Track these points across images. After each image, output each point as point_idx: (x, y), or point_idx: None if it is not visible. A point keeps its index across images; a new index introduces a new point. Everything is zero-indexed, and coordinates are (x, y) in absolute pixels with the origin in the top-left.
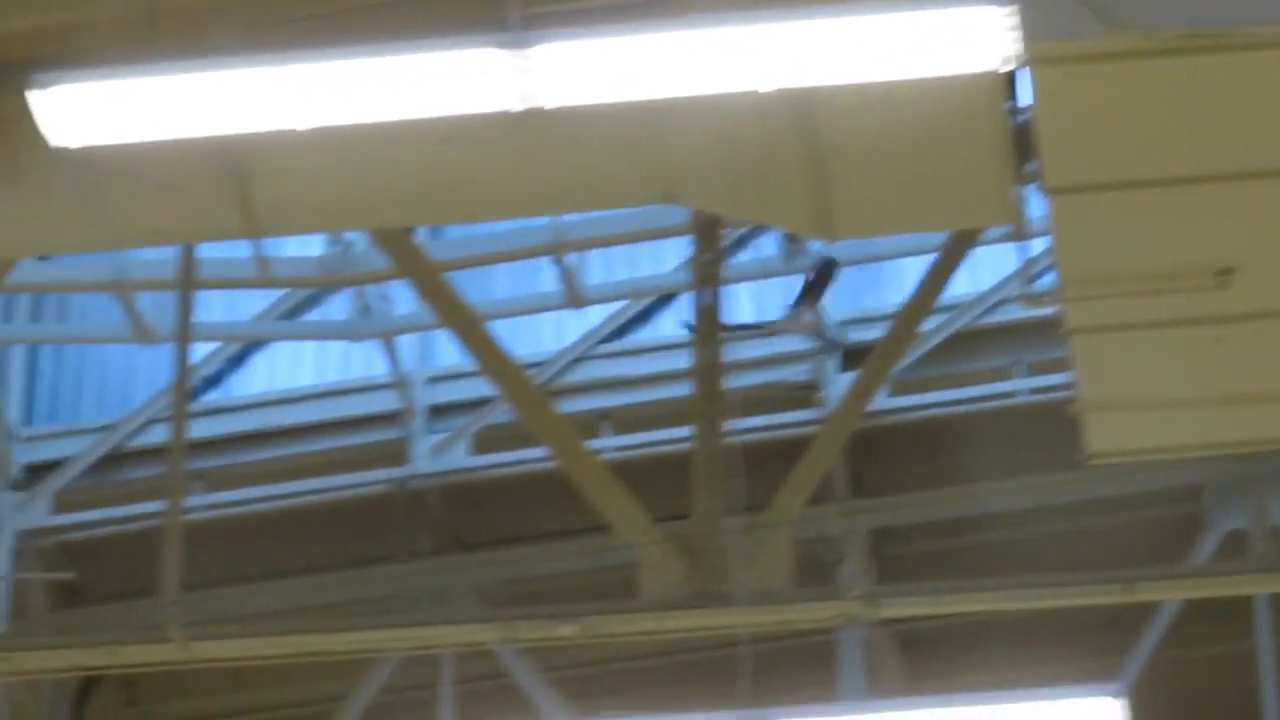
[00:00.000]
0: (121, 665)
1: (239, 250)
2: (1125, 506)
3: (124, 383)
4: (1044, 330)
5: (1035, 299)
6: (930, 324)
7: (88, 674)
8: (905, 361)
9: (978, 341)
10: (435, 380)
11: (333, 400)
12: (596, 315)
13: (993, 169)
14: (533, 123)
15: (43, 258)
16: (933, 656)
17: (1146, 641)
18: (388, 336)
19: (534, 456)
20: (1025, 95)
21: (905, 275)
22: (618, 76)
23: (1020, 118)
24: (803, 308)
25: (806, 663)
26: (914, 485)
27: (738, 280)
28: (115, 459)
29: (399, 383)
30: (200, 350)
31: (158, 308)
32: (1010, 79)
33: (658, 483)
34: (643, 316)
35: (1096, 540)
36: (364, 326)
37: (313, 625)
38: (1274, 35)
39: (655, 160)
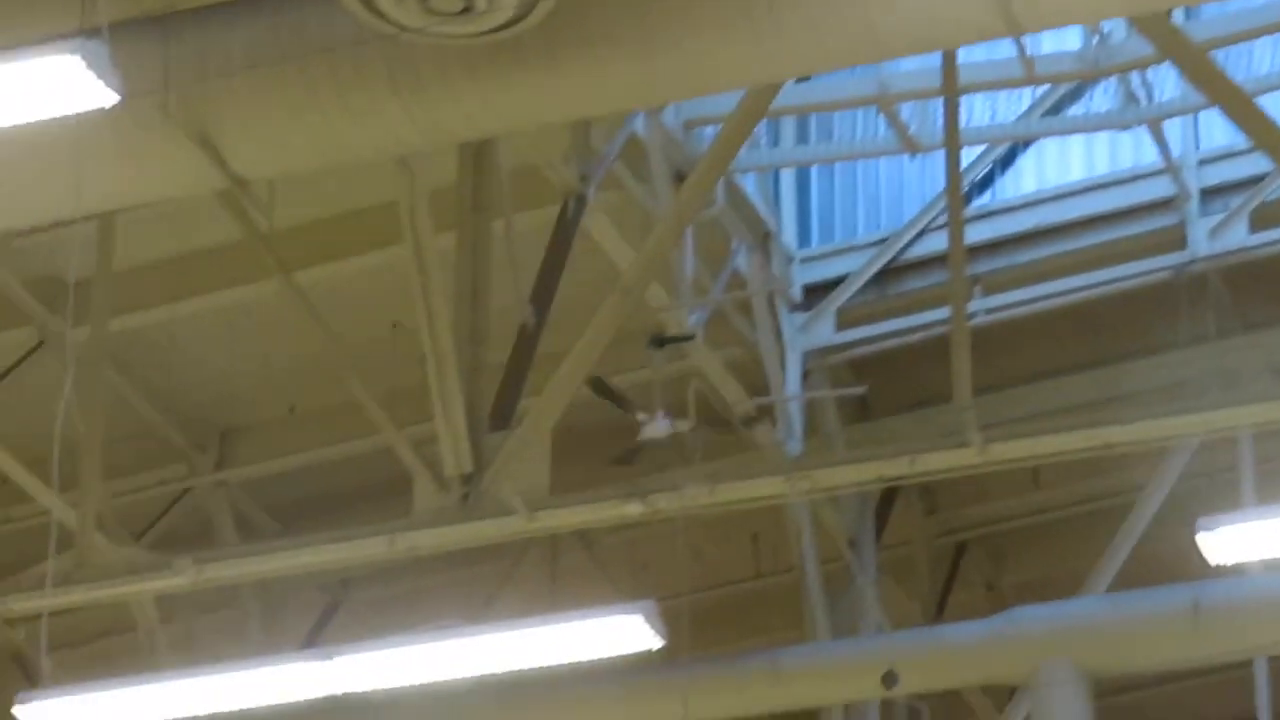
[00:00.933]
0: (921, 474)
1: (997, 51)
2: None
3: (894, 195)
4: None
5: None
6: None
7: (887, 485)
8: None
9: None
10: (1207, 162)
11: (1104, 192)
12: None
13: None
14: None
15: (803, 79)
16: None
17: None
18: (1155, 122)
19: None
20: None
21: None
22: None
23: None
24: None
25: None
26: None
27: None
28: (893, 271)
29: (1170, 168)
30: (967, 155)
31: (920, 117)
32: None
33: None
34: None
35: None
36: (1130, 115)
37: (1106, 418)
38: None
39: None
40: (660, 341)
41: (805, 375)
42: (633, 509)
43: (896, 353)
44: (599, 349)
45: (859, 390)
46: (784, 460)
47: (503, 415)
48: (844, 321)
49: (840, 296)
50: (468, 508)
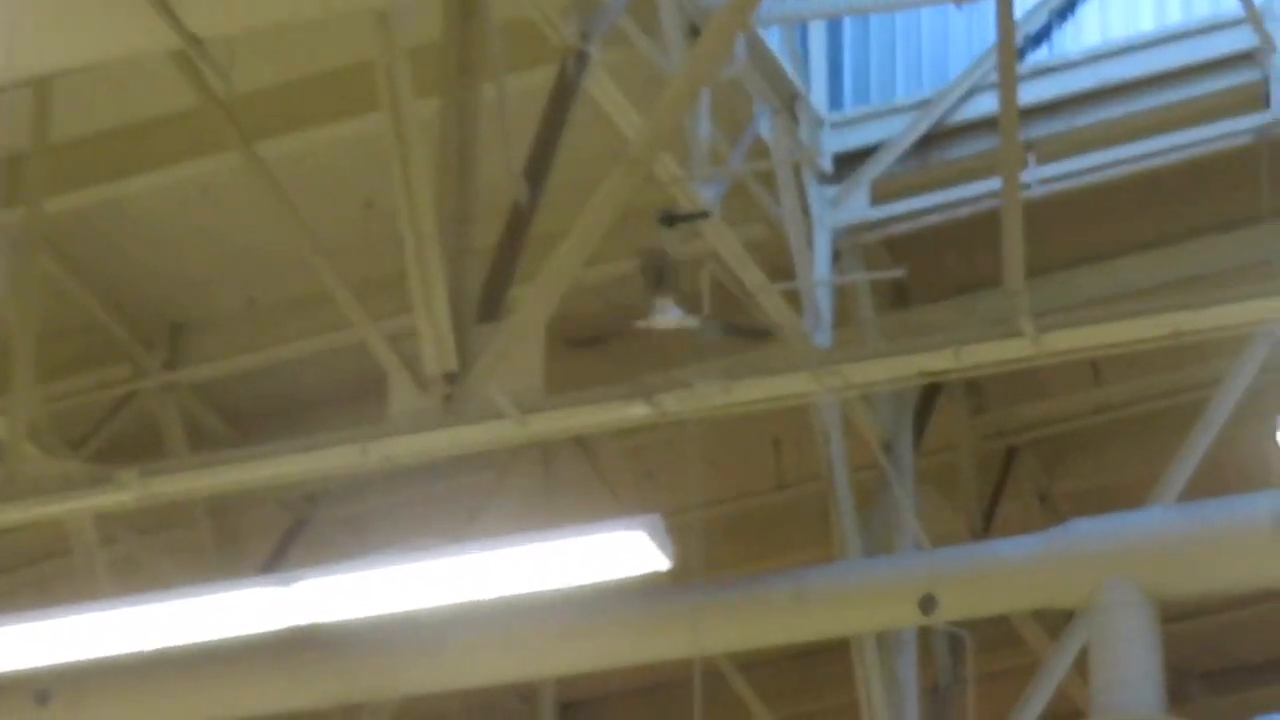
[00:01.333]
0: (967, 368)
1: None
2: None
3: (938, 50)
4: None
5: None
6: None
7: (928, 382)
8: None
9: None
10: None
11: (1176, 45)
12: None
13: None
14: None
15: None
16: None
17: None
18: None
19: None
20: None
21: None
22: None
23: None
24: None
25: None
26: None
27: None
28: (936, 138)
29: (1251, 17)
30: (1020, 4)
31: None
32: None
33: None
34: None
35: None
36: None
37: (1176, 302)
38: None
39: None
40: (671, 219)
41: (836, 257)
42: (637, 411)
43: (940, 230)
44: (601, 229)
45: (897, 273)
46: (811, 353)
47: (491, 306)
48: (880, 195)
49: (876, 167)
50: (451, 411)
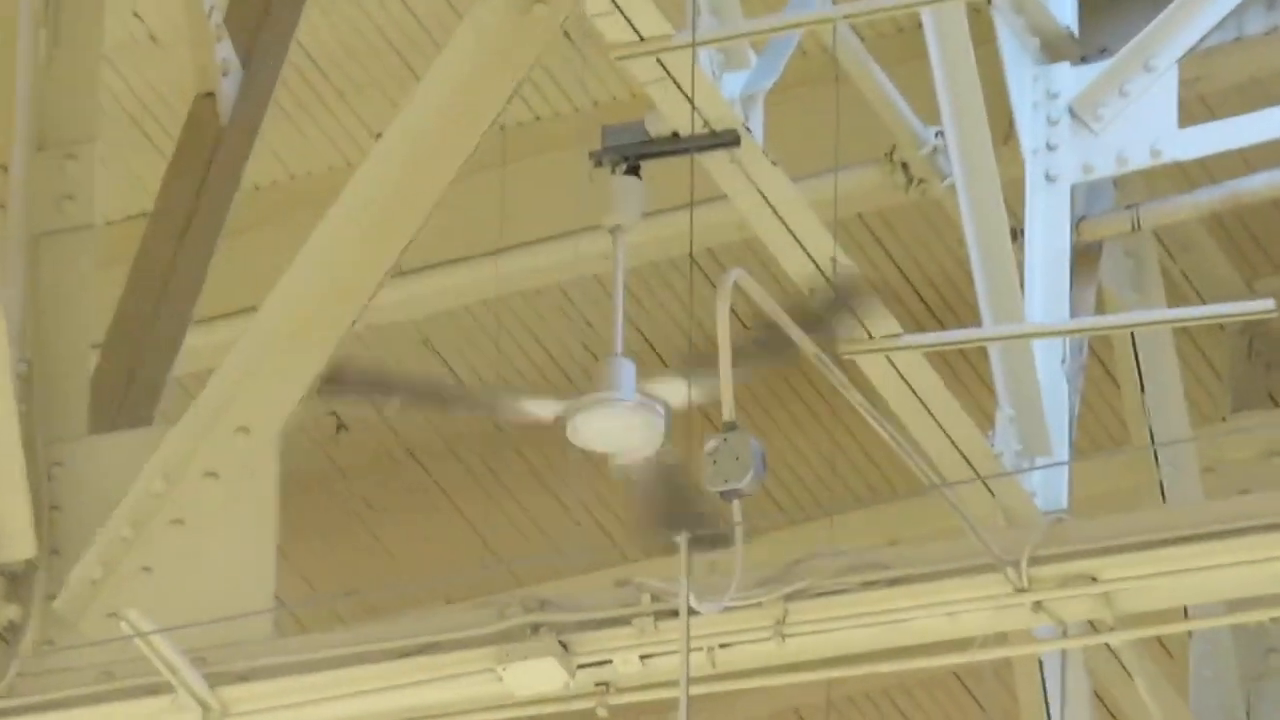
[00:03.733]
0: None
1: None
2: None
3: None
4: None
5: None
6: None
7: None
8: None
9: None
10: None
11: None
12: None
13: None
14: None
15: None
16: None
17: None
18: None
19: None
20: None
21: None
22: None
23: None
24: None
25: None
26: None
27: None
28: None
29: None
30: None
31: None
32: None
33: None
34: None
35: None
36: None
37: None
38: None
39: None
40: (631, 155)
41: (1081, 258)
42: (539, 680)
43: None
44: (439, 178)
45: (1261, 307)
46: (1013, 528)
47: (127, 391)
48: (1204, 99)
49: (1191, 27)
50: (24, 676)
